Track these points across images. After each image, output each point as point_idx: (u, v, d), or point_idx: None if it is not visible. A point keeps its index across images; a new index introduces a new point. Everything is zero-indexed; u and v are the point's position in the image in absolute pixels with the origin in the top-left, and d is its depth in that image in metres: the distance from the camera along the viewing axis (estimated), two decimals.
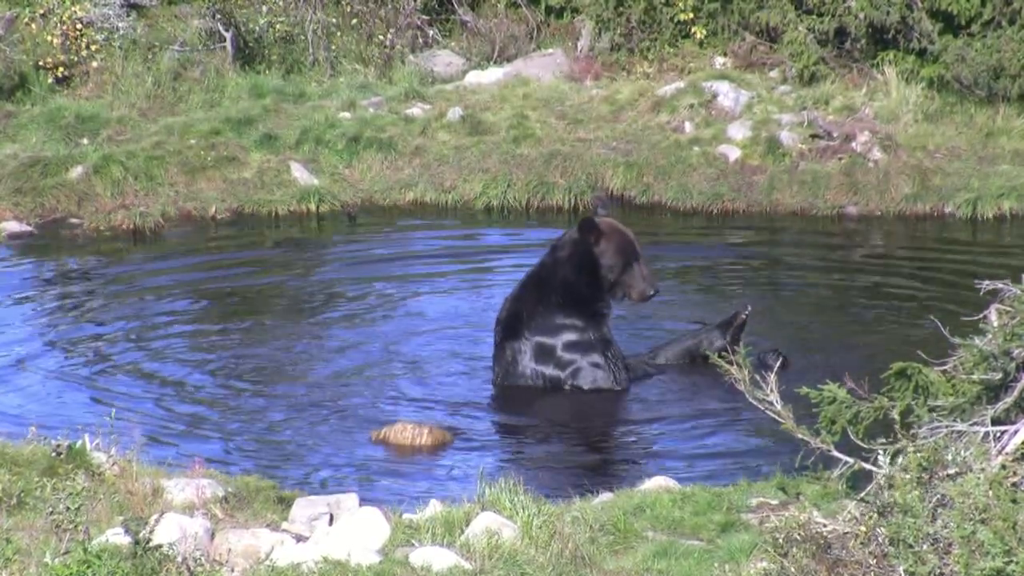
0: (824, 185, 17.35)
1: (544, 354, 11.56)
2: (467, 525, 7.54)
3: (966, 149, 17.77)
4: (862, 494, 6.35)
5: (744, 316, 12.07)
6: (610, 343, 11.64)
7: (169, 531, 7.05)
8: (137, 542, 6.28)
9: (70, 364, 12.35)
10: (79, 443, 8.40)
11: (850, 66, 19.01)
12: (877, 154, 17.57)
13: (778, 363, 11.50)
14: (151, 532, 6.39)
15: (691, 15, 19.89)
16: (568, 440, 11.10)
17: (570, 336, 11.55)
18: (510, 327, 11.61)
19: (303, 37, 20.49)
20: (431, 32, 21.11)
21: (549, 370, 11.57)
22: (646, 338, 12.71)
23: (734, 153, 17.84)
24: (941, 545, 5.74)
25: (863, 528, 6.05)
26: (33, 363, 12.39)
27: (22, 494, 7.80)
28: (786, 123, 18.05)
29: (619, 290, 11.59)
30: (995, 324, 6.70)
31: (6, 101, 19.01)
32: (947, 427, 6.43)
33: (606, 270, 11.49)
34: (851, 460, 6.50)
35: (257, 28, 20.33)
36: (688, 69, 19.62)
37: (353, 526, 7.55)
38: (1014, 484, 5.95)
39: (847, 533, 6.11)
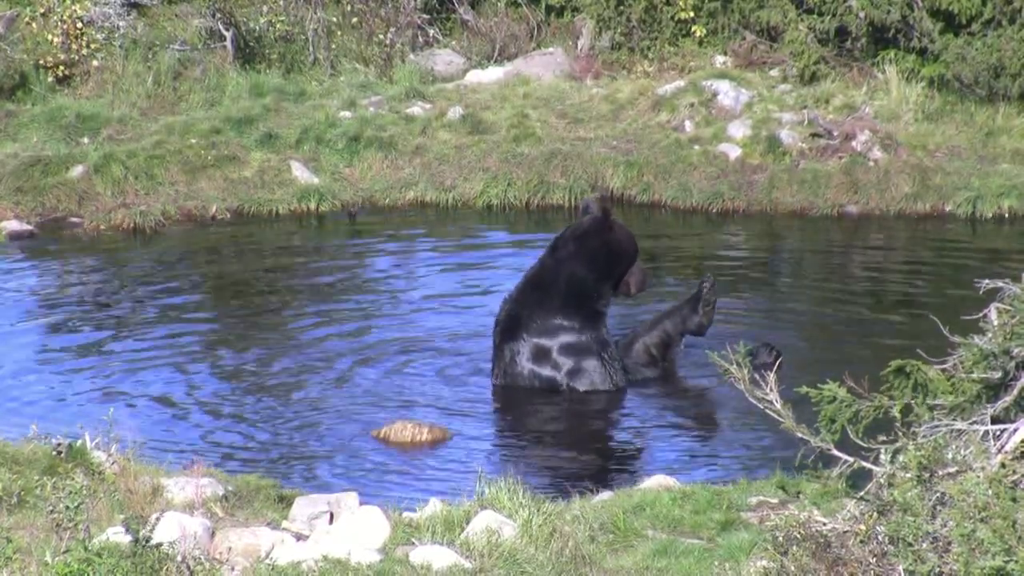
0: (824, 184, 17.35)
1: (542, 356, 11.55)
2: (467, 524, 7.55)
3: (966, 148, 17.77)
4: (862, 493, 6.35)
5: (708, 286, 11.88)
6: (607, 344, 11.63)
7: (169, 530, 7.05)
8: (137, 540, 6.28)
9: (70, 363, 12.35)
10: (79, 442, 8.41)
11: (850, 65, 19.02)
12: (877, 153, 17.57)
13: (771, 358, 11.52)
14: (151, 531, 6.39)
15: (691, 14, 19.89)
16: (568, 439, 11.11)
17: (567, 338, 11.53)
18: (509, 329, 11.59)
19: (303, 36, 20.49)
20: (431, 31, 21.11)
21: (546, 371, 11.56)
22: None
23: (734, 152, 17.84)
24: (941, 544, 5.74)
25: (863, 527, 6.05)
26: (33, 362, 12.39)
27: (22, 493, 7.81)
28: (786, 122, 18.05)
29: (620, 285, 11.62)
30: (995, 323, 6.70)
31: (7, 100, 19.00)
32: (947, 426, 6.43)
33: (620, 259, 11.48)
34: (851, 459, 6.50)
35: (257, 27, 20.32)
36: (688, 68, 19.62)
37: (353, 525, 7.55)
38: (1014, 483, 5.95)
39: (847, 532, 6.11)
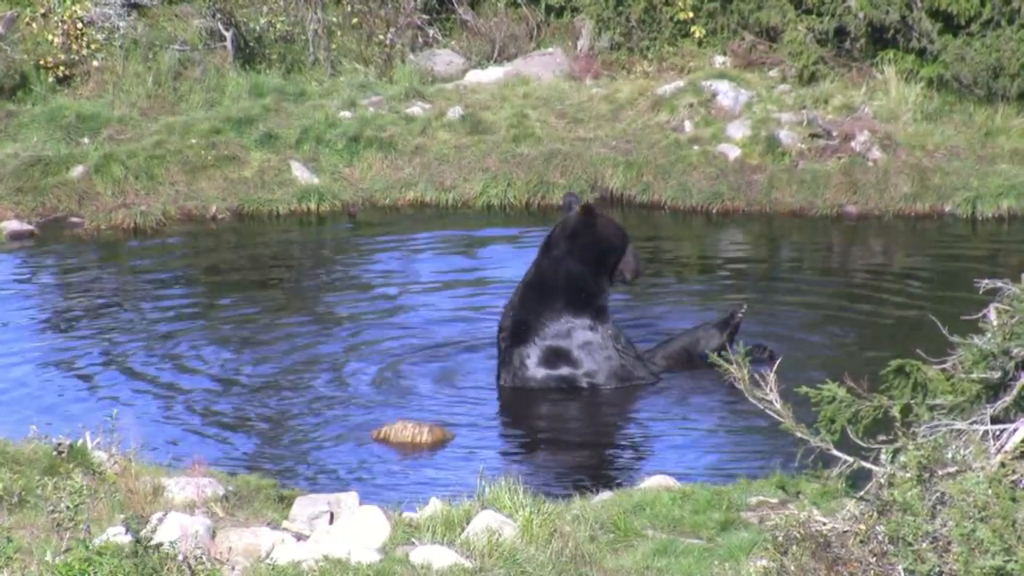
0: (823, 184, 17.35)
1: (557, 357, 11.54)
2: (467, 523, 7.55)
3: (965, 148, 17.77)
4: (861, 492, 6.36)
5: (740, 316, 12.09)
6: (619, 336, 11.69)
7: (170, 530, 7.06)
8: (139, 540, 6.28)
9: (71, 363, 12.36)
10: (80, 442, 8.42)
11: (849, 65, 19.02)
12: (876, 153, 17.57)
13: (765, 357, 11.57)
14: (153, 531, 6.39)
15: (691, 14, 19.90)
16: (568, 439, 11.11)
17: (582, 336, 11.55)
18: (516, 334, 11.56)
19: (303, 36, 20.49)
20: (431, 31, 21.11)
21: (564, 372, 11.54)
22: (645, 339, 12.72)
23: (734, 152, 17.85)
24: (940, 543, 5.75)
25: (863, 526, 6.06)
26: (34, 362, 12.40)
27: (23, 492, 7.81)
28: (785, 122, 18.05)
29: (616, 273, 11.69)
30: (994, 323, 6.71)
31: (7, 100, 19.01)
32: (947, 426, 6.44)
33: (610, 251, 11.54)
34: (851, 459, 6.51)
35: (257, 27, 20.33)
36: (688, 68, 19.63)
37: (353, 524, 7.56)
38: (1013, 482, 5.96)
39: (847, 531, 6.12)
